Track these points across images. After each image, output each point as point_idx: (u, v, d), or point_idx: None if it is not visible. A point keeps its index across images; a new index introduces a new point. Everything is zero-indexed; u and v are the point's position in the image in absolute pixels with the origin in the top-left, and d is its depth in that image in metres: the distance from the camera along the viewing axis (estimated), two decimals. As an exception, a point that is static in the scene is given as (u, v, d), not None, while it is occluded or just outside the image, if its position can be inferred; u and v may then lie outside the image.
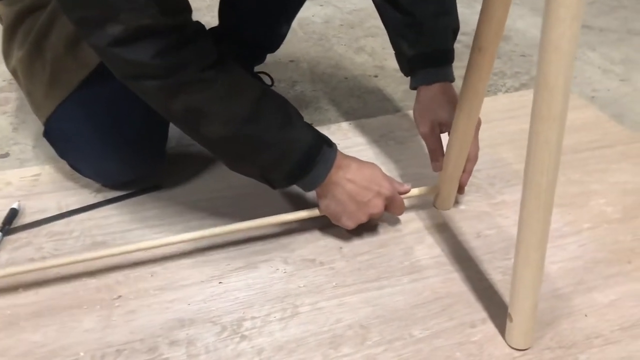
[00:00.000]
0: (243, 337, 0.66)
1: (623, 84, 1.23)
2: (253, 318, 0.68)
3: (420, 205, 0.85)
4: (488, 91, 1.11)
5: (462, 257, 0.77)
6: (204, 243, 0.77)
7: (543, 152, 0.49)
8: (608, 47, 1.38)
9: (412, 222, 0.82)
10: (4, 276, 0.67)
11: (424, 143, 0.99)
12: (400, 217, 0.82)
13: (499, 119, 1.07)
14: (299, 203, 0.85)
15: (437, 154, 0.82)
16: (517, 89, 1.20)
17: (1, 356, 0.62)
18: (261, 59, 1.02)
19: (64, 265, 0.70)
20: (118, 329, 0.66)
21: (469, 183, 0.83)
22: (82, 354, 0.63)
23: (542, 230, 0.55)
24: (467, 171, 0.80)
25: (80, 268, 0.72)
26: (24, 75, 0.78)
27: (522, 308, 0.61)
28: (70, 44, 0.73)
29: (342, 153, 0.73)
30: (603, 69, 1.28)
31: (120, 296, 0.70)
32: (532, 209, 0.53)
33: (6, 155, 0.93)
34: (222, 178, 0.90)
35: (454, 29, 0.83)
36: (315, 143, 0.70)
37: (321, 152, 0.70)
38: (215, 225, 0.80)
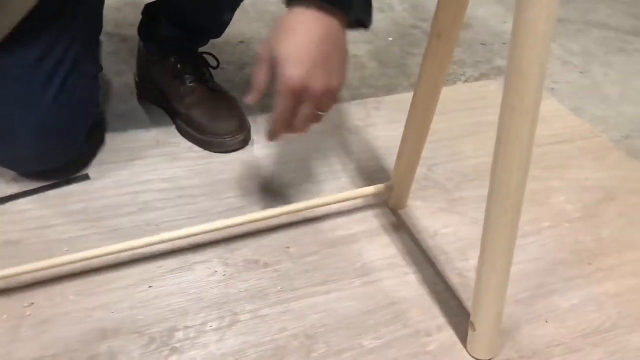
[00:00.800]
0: (173, 350, 0.58)
1: (582, 76, 1.20)
2: (186, 328, 0.61)
3: (373, 203, 0.79)
4: (447, 81, 1.06)
5: (418, 258, 0.71)
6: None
7: (514, 148, 0.43)
8: (567, 38, 1.36)
9: (365, 221, 0.76)
10: None
11: (379, 135, 0.93)
12: (353, 215, 0.77)
13: (458, 110, 1.02)
14: (242, 197, 0.78)
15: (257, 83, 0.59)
16: (477, 79, 1.16)
17: None
18: (204, 43, 0.94)
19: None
20: (28, 343, 0.58)
21: (425, 178, 0.78)
22: (-18, 372, 0.54)
23: (509, 235, 0.49)
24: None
25: (-14, 271, 0.63)
26: None
27: (487, 317, 0.56)
28: None
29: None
30: (563, 60, 1.25)
31: (32, 304, 0.61)
32: (500, 211, 0.48)
33: None
34: (156, 169, 0.81)
35: None
36: None
37: None
38: (147, 222, 0.73)
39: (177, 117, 0.90)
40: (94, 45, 0.80)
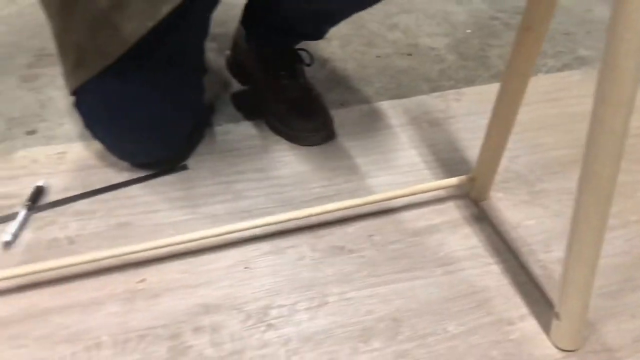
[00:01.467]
0: (269, 326, 0.63)
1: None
2: (280, 306, 0.66)
3: (454, 194, 0.81)
4: (529, 72, 1.05)
5: (500, 249, 0.73)
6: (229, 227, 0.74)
7: (607, 140, 0.44)
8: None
9: (446, 212, 0.78)
10: (24, 274, 0.65)
11: (460, 126, 0.95)
12: (434, 206, 0.79)
13: (540, 101, 1.01)
14: (326, 188, 0.82)
15: None
16: (559, 70, 1.14)
17: (24, 337, 0.61)
18: (298, 42, 0.98)
19: (88, 263, 0.68)
20: (141, 314, 0.64)
21: (506, 170, 0.79)
22: (104, 338, 0.62)
23: (599, 226, 0.50)
24: None
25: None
26: (59, 48, 0.76)
27: (572, 307, 0.57)
28: (91, 33, 0.70)
29: None
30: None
31: (144, 279, 0.68)
32: (590, 202, 0.49)
33: (33, 132, 0.92)
34: (248, 161, 0.87)
35: None
36: None
37: None
38: (240, 209, 0.78)
39: (266, 108, 0.94)
40: (201, 49, 0.86)
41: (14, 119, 0.95)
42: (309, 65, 0.96)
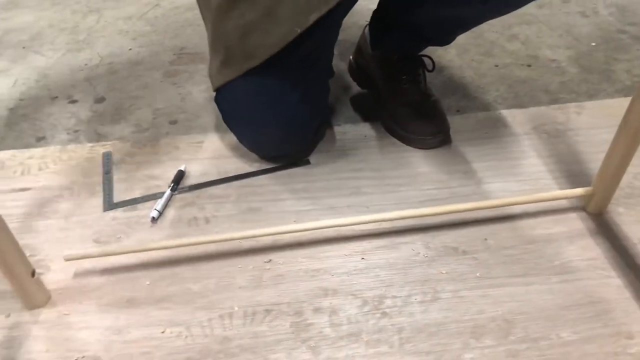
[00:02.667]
0: (384, 314, 0.67)
1: None
2: (394, 297, 0.69)
3: (572, 206, 0.81)
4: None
5: (620, 263, 0.72)
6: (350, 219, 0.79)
7: None
8: None
9: (564, 222, 0.78)
10: (173, 246, 0.74)
11: (580, 139, 0.93)
12: (551, 216, 0.79)
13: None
14: (440, 190, 0.85)
15: None
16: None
17: (168, 301, 0.70)
18: (425, 48, 1.01)
19: (224, 241, 0.75)
20: (267, 290, 0.71)
21: (629, 185, 0.77)
22: (236, 308, 0.69)
23: None
24: None
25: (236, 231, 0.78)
26: (210, 47, 0.86)
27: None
28: (241, 37, 0.78)
29: None
30: None
31: (270, 260, 0.75)
32: None
33: (175, 122, 1.03)
34: (365, 160, 0.91)
35: None
36: None
37: None
38: (357, 203, 0.83)
39: (384, 110, 0.98)
40: (332, 51, 0.91)
41: (158, 109, 1.06)
42: (430, 71, 0.99)
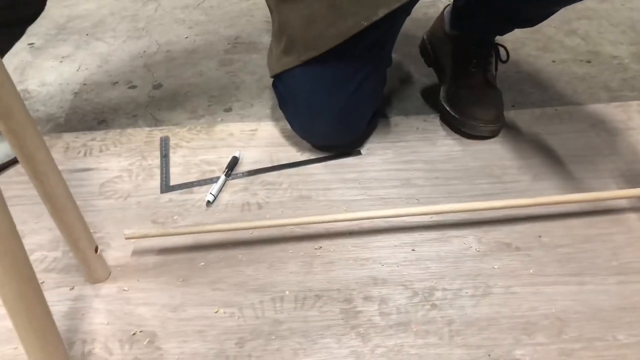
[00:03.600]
0: (433, 306, 0.67)
1: None
2: (444, 289, 0.69)
3: (632, 206, 0.78)
4: None
5: (682, 267, 0.69)
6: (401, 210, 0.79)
7: None
8: None
9: (622, 222, 0.76)
10: (228, 229, 0.76)
11: (643, 138, 0.90)
12: (608, 215, 0.77)
13: None
14: (493, 185, 0.84)
15: None
16: None
17: (221, 282, 0.72)
18: (512, 30, 0.98)
19: (276, 227, 0.77)
20: (318, 276, 0.72)
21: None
22: (287, 292, 0.70)
23: None
24: None
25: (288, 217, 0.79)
26: (272, 35, 0.88)
27: None
28: (305, 27, 0.79)
29: None
30: None
31: (321, 247, 0.76)
32: None
33: (229, 109, 1.05)
34: (416, 152, 0.91)
35: None
36: None
37: None
38: (408, 195, 0.83)
39: (444, 92, 0.98)
40: (394, 42, 0.91)
41: (214, 97, 1.09)
42: (504, 61, 0.97)
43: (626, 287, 0.67)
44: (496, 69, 0.98)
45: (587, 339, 0.62)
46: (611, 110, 0.98)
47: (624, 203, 0.79)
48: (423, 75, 1.12)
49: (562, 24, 1.28)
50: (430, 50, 1.06)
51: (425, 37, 1.08)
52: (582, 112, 0.99)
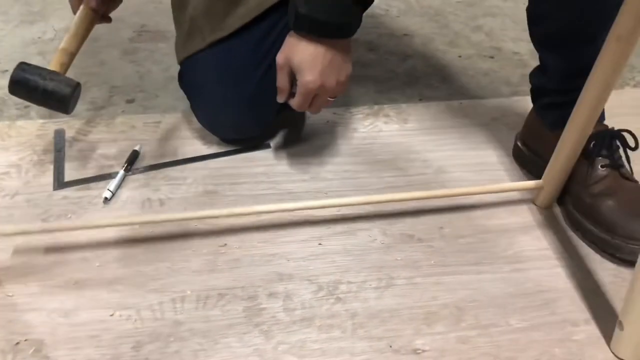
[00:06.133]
0: (338, 299, 0.67)
1: None
2: (349, 282, 0.69)
3: (526, 198, 0.82)
4: (614, 84, 1.03)
5: (571, 254, 0.73)
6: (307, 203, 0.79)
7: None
8: None
9: (518, 213, 0.80)
10: (124, 224, 0.72)
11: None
12: (506, 207, 0.80)
13: (624, 115, 0.99)
14: (398, 178, 0.85)
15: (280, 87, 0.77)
16: (647, 85, 1.11)
17: (118, 283, 0.68)
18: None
19: (178, 222, 0.74)
20: (222, 274, 0.70)
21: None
22: (188, 292, 0.67)
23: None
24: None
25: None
26: (174, 18, 0.84)
27: (636, 319, 0.57)
28: (208, 4, 0.76)
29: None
30: None
31: (225, 244, 0.74)
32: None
33: (132, 100, 1.00)
34: (326, 147, 0.91)
35: None
36: None
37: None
38: (316, 189, 0.82)
39: (573, 204, 0.77)
40: None
41: (116, 87, 1.03)
42: (634, 149, 0.77)
43: (520, 275, 0.70)
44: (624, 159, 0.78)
45: (483, 326, 0.64)
46: (512, 104, 1.02)
47: (517, 195, 0.82)
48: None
49: (469, 20, 1.32)
50: (533, 156, 0.85)
51: (519, 142, 0.88)
52: (485, 105, 1.02)
